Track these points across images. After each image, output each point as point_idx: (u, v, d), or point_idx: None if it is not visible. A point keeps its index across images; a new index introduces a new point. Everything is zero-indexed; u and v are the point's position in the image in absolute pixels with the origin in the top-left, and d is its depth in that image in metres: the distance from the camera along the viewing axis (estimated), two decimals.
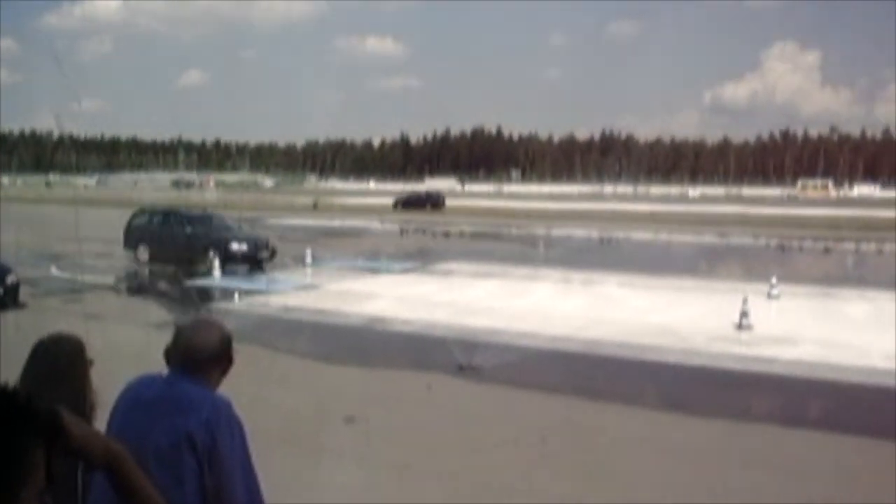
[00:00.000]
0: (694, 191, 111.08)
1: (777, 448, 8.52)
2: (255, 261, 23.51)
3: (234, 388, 2.77)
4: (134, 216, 26.65)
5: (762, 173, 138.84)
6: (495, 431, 8.92)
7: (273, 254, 24.16)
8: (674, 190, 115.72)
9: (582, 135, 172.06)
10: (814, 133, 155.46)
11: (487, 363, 11.83)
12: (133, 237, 25.61)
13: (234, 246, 23.54)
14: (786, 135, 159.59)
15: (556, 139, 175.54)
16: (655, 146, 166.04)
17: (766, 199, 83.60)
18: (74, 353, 3.08)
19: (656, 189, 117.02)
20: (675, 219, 51.48)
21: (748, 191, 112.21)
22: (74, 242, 23.47)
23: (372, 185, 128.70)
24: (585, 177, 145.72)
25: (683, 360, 12.49)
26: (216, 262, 22.06)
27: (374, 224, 47.90)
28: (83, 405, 2.92)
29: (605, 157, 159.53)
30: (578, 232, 43.82)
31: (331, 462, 7.70)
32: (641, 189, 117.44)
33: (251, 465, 2.60)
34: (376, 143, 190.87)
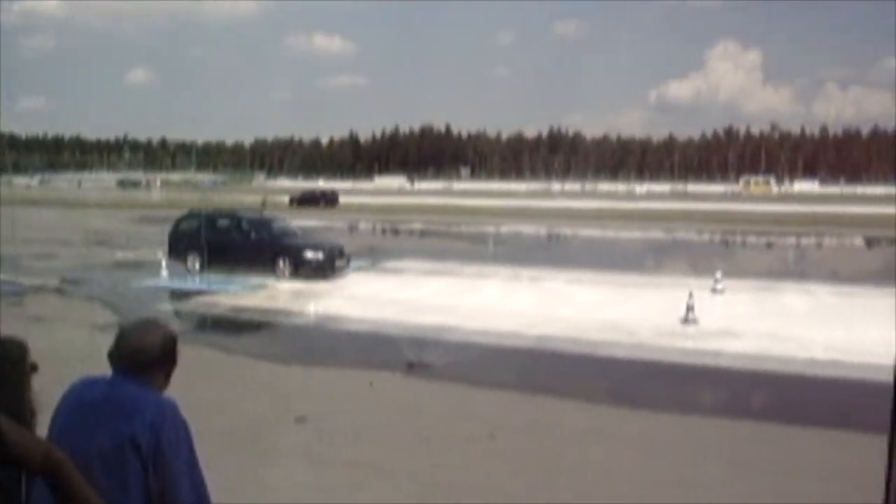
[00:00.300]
0: (640, 188, 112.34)
1: (725, 440, 8.68)
2: (332, 270, 21.17)
3: (183, 390, 2.74)
4: (181, 220, 23.69)
5: (706, 170, 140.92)
6: (446, 428, 8.94)
7: (348, 262, 22.06)
8: (621, 187, 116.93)
9: (530, 133, 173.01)
10: (756, 131, 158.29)
11: (438, 361, 11.86)
12: (181, 244, 22.51)
13: (309, 254, 21.08)
14: (729, 132, 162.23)
15: (504, 137, 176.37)
16: (602, 144, 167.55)
17: (710, 196, 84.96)
18: (16, 357, 3.01)
19: (604, 186, 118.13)
20: (622, 215, 52.05)
21: (693, 187, 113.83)
22: (12, 244, 23.01)
23: (321, 183, 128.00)
24: (534, 174, 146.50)
25: (632, 355, 12.65)
26: (287, 272, 20.63)
27: (323, 222, 47.64)
28: (24, 411, 2.86)
29: (554, 154, 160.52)
30: (527, 229, 44.06)
31: (281, 462, 7.66)
32: (589, 186, 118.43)
33: (198, 467, 2.57)
34: (325, 141, 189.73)
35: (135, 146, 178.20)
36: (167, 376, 2.73)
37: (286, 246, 21.51)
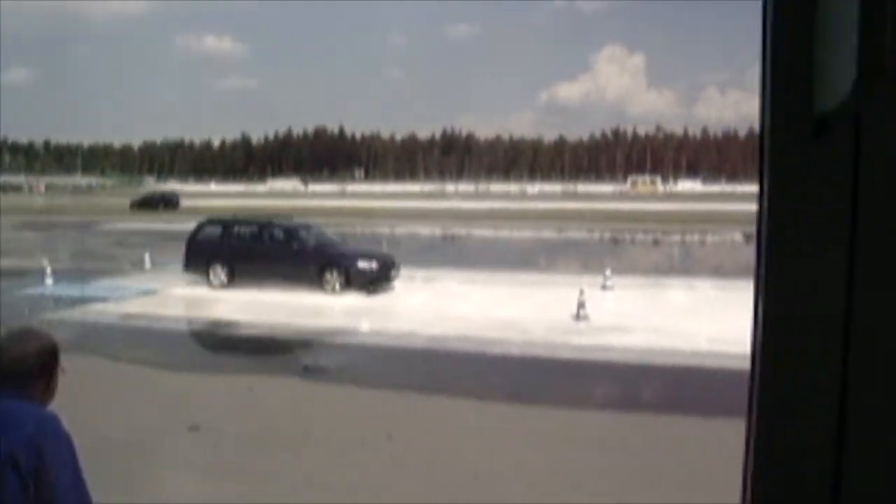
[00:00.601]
0: (532, 188, 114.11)
1: (616, 431, 8.97)
2: (387, 281, 19.19)
3: (73, 401, 2.70)
4: (200, 228, 21.54)
5: (595, 170, 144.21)
6: (342, 431, 8.95)
7: (398, 272, 20.04)
8: (513, 187, 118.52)
9: (424, 134, 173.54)
10: (642, 132, 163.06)
11: (333, 363, 11.84)
12: (202, 255, 20.06)
13: (363, 264, 19.03)
14: (616, 133, 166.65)
15: (398, 139, 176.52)
16: (495, 145, 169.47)
17: (600, 195, 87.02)
18: None
19: (497, 186, 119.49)
20: (515, 215, 52.82)
21: (583, 187, 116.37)
22: None
23: (213, 186, 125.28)
24: (428, 175, 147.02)
25: (525, 352, 12.91)
26: (337, 285, 18.64)
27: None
28: None
29: (447, 156, 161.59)
30: (422, 230, 44.24)
31: (173, 470, 7.53)
32: (482, 187, 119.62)
33: (82, 482, 2.52)
34: (216, 143, 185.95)
35: (15, 149, 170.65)
36: (48, 388, 2.64)
37: (334, 255, 19.51)
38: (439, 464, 7.92)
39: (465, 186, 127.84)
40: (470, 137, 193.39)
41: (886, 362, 1.03)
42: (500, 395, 10.69)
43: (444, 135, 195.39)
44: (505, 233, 42.74)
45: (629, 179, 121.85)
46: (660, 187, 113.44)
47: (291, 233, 20.59)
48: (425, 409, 9.83)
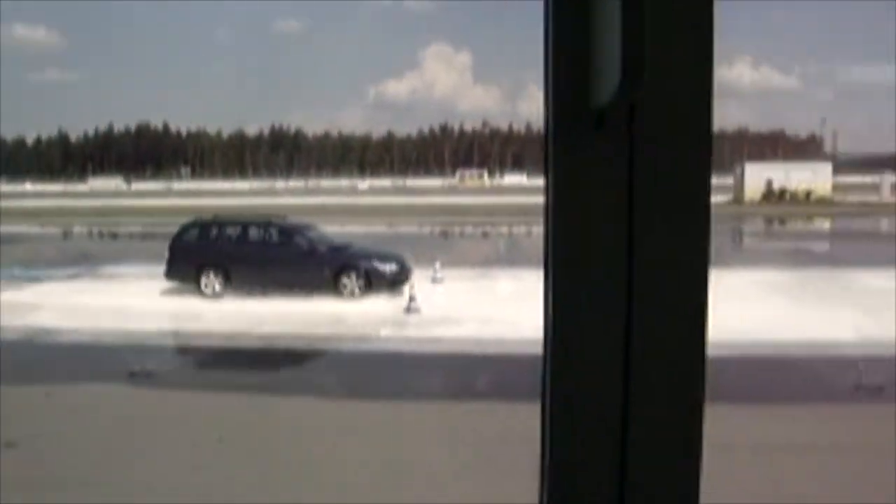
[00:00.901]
0: (363, 183, 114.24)
1: (447, 420, 9.15)
2: (401, 284, 17.16)
3: None
4: (184, 231, 19.17)
5: (424, 165, 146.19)
6: (171, 435, 8.70)
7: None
8: (344, 183, 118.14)
9: (252, 130, 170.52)
10: (469, 127, 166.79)
11: (160, 367, 11.47)
12: (190, 260, 17.81)
13: (385, 266, 17.46)
14: (444, 129, 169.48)
15: (225, 135, 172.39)
16: (324, 141, 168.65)
17: (429, 190, 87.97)
18: None
19: (327, 182, 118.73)
20: (346, 211, 52.63)
21: (413, 182, 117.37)
22: None
23: (28, 186, 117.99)
24: (257, 172, 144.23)
25: (357, 347, 12.97)
26: (356, 290, 16.82)
27: (34, 228, 43.94)
28: None
29: (276, 152, 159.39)
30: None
31: None
32: (312, 183, 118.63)
33: None
34: (30, 140, 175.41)
35: None
36: None
37: (350, 258, 17.80)
38: (274, 463, 7.84)
39: (296, 183, 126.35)
40: (299, 133, 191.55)
41: (667, 341, 1.13)
42: (334, 390, 10.68)
43: (272, 131, 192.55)
44: (337, 228, 42.46)
45: (457, 174, 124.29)
46: (487, 181, 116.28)
47: (298, 233, 18.81)
48: (258, 410, 9.69)
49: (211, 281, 17.39)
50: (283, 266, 17.48)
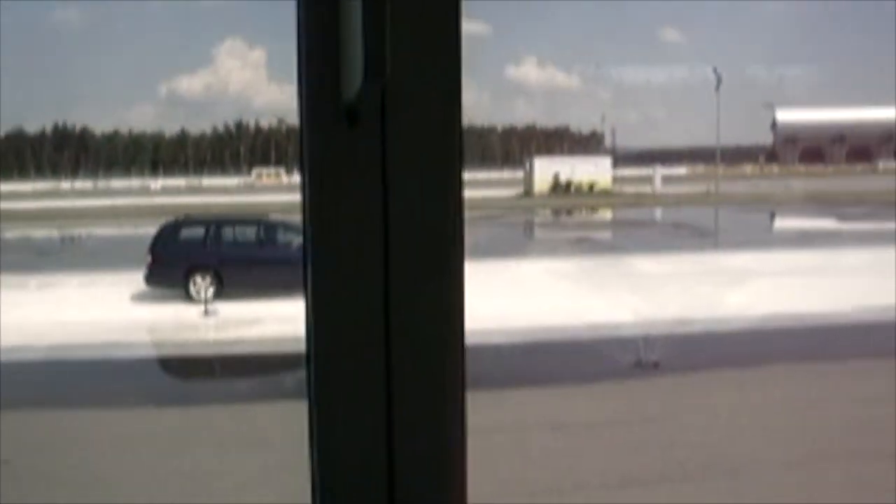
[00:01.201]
0: (155, 183, 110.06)
1: (255, 423, 9.03)
2: None
3: None
4: (170, 230, 17.53)
5: (220, 163, 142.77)
6: None
7: None
8: (135, 182, 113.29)
9: (32, 129, 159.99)
10: (265, 124, 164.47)
11: None
12: (177, 264, 16.22)
13: None
14: (239, 126, 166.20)
15: (2, 134, 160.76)
16: (113, 139, 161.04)
17: (225, 188, 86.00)
18: None
19: (117, 182, 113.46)
20: (138, 212, 50.44)
21: (208, 181, 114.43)
22: None
23: None
24: (40, 173, 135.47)
25: (152, 353, 12.50)
26: None
27: None
28: None
29: (60, 152, 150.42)
30: (37, 233, 40.64)
31: None
32: (102, 184, 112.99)
33: None
34: None
35: None
36: None
37: None
38: (67, 482, 7.45)
39: (83, 183, 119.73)
40: (85, 131, 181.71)
41: (426, 333, 1.17)
42: (126, 400, 10.25)
43: (55, 129, 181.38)
44: (130, 230, 40.64)
45: (254, 171, 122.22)
46: (284, 178, 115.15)
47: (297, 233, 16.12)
48: (46, 427, 9.17)
49: (201, 287, 15.90)
50: (284, 269, 14.96)
